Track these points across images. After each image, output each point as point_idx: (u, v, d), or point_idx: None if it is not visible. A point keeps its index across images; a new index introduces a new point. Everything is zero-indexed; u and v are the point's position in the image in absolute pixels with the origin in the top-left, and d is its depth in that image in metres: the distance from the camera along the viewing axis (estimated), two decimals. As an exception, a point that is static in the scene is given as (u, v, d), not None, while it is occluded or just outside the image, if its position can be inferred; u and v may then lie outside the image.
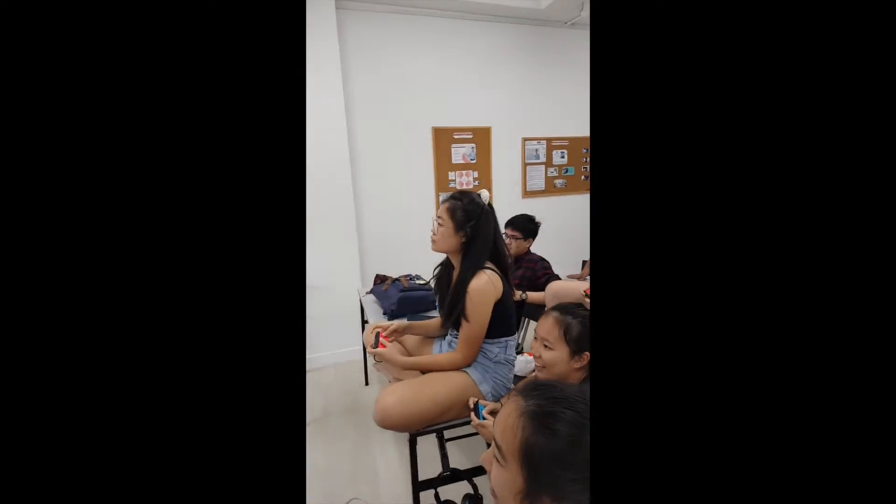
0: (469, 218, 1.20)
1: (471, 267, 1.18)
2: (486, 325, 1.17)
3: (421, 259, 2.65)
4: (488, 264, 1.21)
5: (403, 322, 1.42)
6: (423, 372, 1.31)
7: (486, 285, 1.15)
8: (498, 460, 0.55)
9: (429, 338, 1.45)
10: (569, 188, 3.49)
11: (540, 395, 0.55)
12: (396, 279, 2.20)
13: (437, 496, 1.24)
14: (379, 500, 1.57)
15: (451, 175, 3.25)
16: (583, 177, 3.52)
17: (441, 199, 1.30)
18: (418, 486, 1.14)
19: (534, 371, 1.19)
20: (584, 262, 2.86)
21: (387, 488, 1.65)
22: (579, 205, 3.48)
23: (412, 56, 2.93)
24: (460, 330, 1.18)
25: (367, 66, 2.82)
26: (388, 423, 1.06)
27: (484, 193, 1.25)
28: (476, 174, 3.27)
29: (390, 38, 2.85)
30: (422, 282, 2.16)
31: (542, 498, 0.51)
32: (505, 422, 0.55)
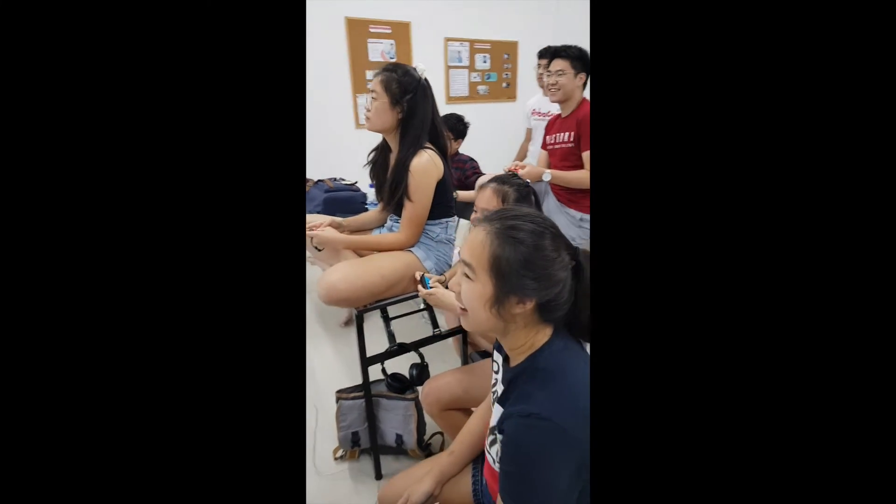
0: (405, 91, 1.12)
1: (411, 145, 1.14)
2: (429, 205, 1.17)
3: (342, 162, 2.49)
4: (427, 144, 1.17)
5: (337, 219, 1.36)
6: (360, 255, 1.29)
7: (427, 163, 1.13)
8: (469, 277, 0.58)
9: (366, 230, 1.41)
10: (491, 95, 3.45)
11: (500, 216, 0.60)
12: (319, 180, 2.06)
13: (383, 370, 1.31)
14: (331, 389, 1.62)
15: (370, 75, 2.99)
16: (504, 84, 3.49)
17: (373, 74, 1.19)
18: (366, 361, 1.19)
19: None
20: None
21: (338, 382, 1.70)
22: (501, 113, 3.48)
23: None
24: (403, 210, 1.16)
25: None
26: (335, 298, 1.05)
27: (420, 66, 1.17)
28: (397, 76, 3.05)
29: None
30: (347, 182, 2.06)
31: (509, 299, 0.56)
32: (473, 243, 0.58)
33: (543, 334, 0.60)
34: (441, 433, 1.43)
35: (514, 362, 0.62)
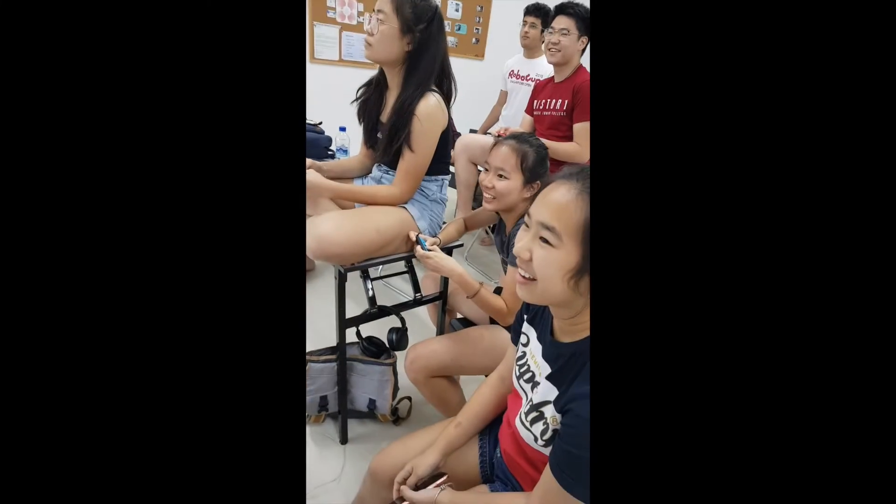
0: (419, 18, 0.96)
1: (418, 85, 1.00)
2: (430, 157, 1.05)
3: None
4: (433, 87, 1.04)
5: (318, 162, 1.17)
6: (342, 207, 1.15)
7: (435, 109, 1.00)
8: (549, 242, 0.52)
9: (347, 178, 1.24)
10: (460, 50, 3.26)
11: (586, 173, 0.53)
12: (276, 115, 1.78)
13: (358, 333, 1.22)
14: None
15: (331, 1, 2.63)
16: (473, 39, 3.31)
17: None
18: (344, 323, 1.08)
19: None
20: (470, 130, 2.86)
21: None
22: (470, 70, 3.32)
23: None
24: (402, 161, 1.03)
25: None
26: (328, 252, 0.91)
27: None
28: (361, 7, 2.72)
29: None
30: (312, 122, 1.81)
31: None
32: (559, 203, 0.51)
33: None
34: (409, 398, 1.39)
35: (571, 338, 0.58)
